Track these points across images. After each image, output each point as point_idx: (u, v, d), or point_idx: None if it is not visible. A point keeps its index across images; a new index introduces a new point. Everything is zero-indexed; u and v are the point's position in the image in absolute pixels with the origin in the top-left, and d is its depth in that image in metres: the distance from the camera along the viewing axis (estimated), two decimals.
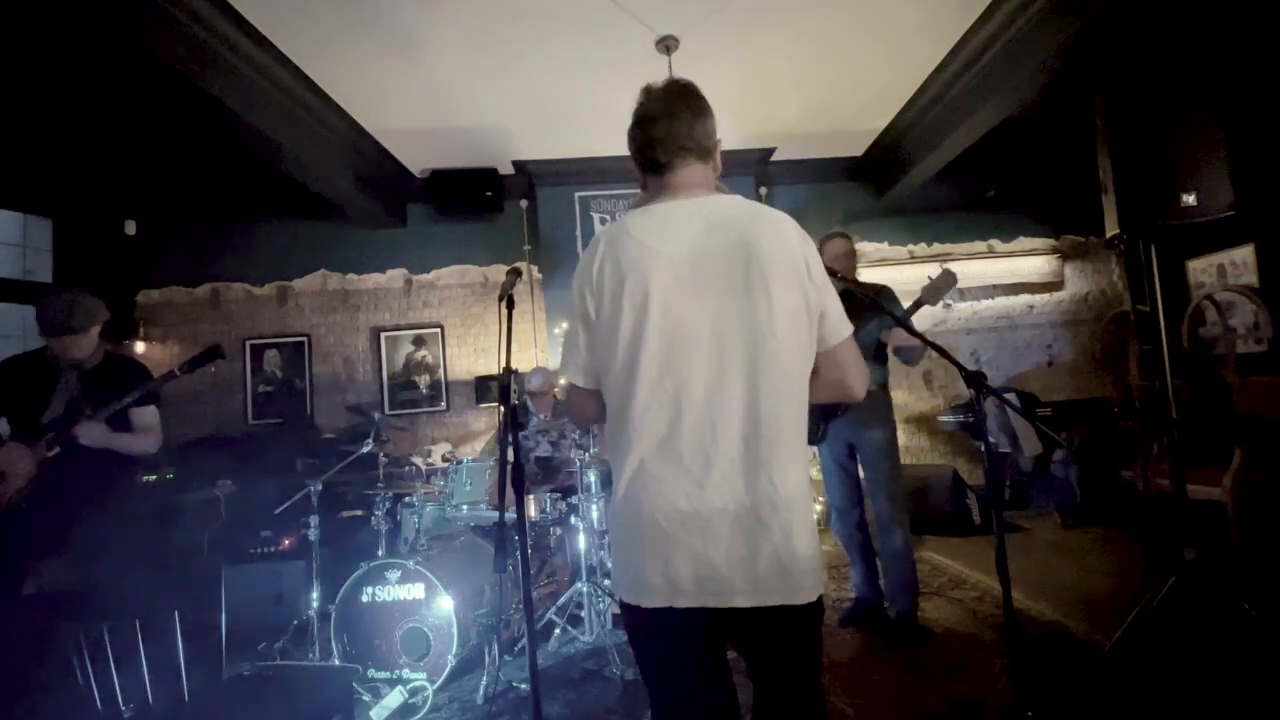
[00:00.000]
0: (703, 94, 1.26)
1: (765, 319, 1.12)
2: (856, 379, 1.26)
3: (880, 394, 2.97)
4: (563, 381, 1.32)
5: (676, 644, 1.17)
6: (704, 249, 1.15)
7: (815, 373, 1.22)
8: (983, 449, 1.86)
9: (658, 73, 3.69)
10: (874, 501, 2.97)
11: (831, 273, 2.09)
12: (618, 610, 3.66)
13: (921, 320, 5.15)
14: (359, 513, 3.90)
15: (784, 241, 1.17)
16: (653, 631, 1.17)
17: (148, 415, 2.54)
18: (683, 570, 1.11)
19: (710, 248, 1.15)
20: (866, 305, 2.65)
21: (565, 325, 1.25)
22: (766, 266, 1.13)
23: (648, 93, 1.26)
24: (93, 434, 2.34)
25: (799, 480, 1.15)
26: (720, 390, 1.12)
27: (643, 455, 1.14)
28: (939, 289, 2.61)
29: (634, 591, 1.16)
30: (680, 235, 1.17)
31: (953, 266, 2.71)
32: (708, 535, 1.10)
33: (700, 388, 1.13)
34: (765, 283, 1.13)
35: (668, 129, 1.22)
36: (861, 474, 3.03)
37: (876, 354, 2.91)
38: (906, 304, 2.69)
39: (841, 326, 1.23)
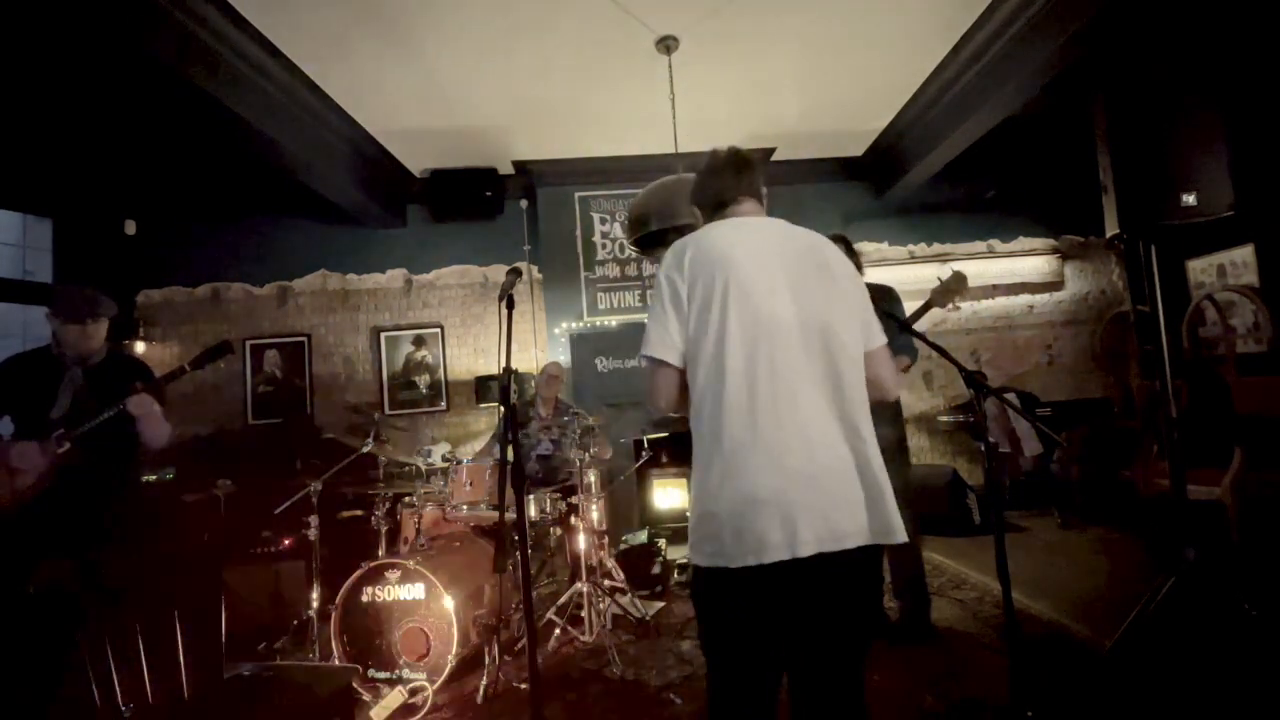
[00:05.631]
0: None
1: (837, 310, 1.34)
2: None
3: None
4: (644, 362, 1.40)
5: (762, 601, 1.24)
6: (779, 249, 1.37)
7: None
8: (983, 449, 1.86)
9: (658, 72, 3.72)
10: None
11: None
12: (618, 610, 3.65)
13: (923, 319, 5.15)
14: (359, 513, 3.89)
15: (838, 254, 1.42)
16: (743, 591, 1.24)
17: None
18: (801, 523, 1.21)
19: (785, 248, 1.38)
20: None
21: (661, 307, 1.37)
22: (831, 269, 1.37)
23: (714, 154, 1.53)
24: (143, 404, 2.34)
25: (876, 442, 1.32)
26: (809, 365, 1.29)
27: (742, 425, 1.25)
28: (949, 291, 2.59)
29: (751, 550, 1.21)
30: (757, 237, 1.39)
31: (953, 267, 2.70)
32: (819, 489, 1.23)
33: (788, 365, 1.28)
34: (831, 281, 1.36)
35: (751, 180, 1.50)
36: None
37: None
38: (912, 305, 2.68)
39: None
